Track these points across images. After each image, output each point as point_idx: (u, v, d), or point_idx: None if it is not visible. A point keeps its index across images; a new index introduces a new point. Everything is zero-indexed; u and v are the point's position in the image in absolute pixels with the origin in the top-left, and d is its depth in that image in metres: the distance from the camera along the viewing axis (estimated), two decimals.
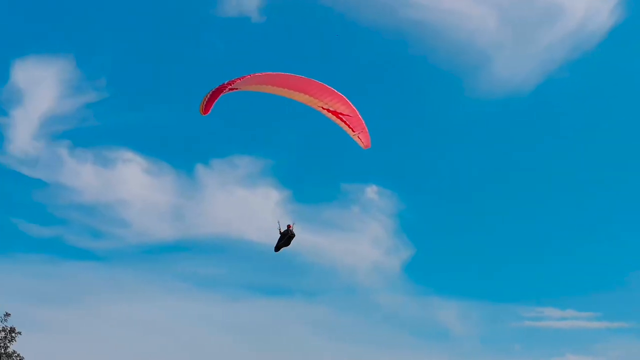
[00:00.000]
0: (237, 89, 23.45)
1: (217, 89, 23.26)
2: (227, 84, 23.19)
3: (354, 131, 25.29)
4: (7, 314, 38.42)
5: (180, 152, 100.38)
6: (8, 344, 37.99)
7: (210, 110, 23.47)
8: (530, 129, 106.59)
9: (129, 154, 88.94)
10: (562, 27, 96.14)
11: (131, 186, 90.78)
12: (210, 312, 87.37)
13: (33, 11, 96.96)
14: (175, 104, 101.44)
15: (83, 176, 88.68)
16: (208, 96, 23.35)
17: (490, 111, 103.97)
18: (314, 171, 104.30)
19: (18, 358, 37.86)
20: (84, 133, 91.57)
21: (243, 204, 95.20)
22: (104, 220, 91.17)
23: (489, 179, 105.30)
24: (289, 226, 26.56)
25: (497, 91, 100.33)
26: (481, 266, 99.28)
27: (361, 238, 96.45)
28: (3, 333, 38.07)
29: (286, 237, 26.79)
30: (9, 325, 38.42)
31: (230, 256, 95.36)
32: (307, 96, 23.95)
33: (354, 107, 24.50)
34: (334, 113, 24.35)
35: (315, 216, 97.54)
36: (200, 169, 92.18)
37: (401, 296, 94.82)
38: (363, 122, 25.05)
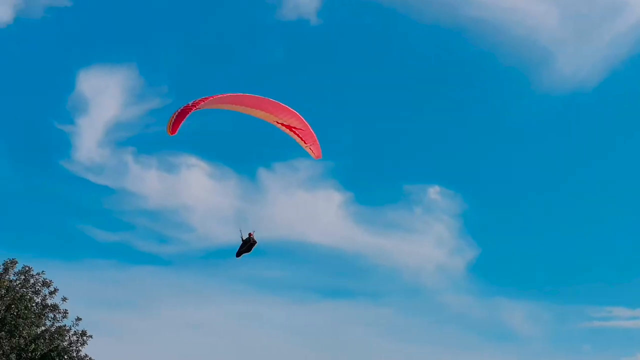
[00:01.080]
0: (202, 108, 25.25)
1: (183, 109, 24.79)
2: (192, 104, 24.84)
3: (306, 143, 27.63)
4: (79, 318, 39.17)
5: (243, 156, 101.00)
6: (80, 348, 38.80)
7: (177, 131, 24.96)
8: (595, 126, 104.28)
9: (192, 159, 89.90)
10: (624, 21, 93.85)
11: (195, 191, 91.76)
12: (274, 315, 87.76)
13: (97, 23, 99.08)
14: None
15: (148, 182, 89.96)
16: (175, 117, 24.84)
17: (554, 108, 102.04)
18: (375, 173, 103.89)
19: None
20: (148, 139, 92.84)
21: (305, 207, 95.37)
22: (169, 225, 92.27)
23: (554, 176, 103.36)
24: (250, 234, 27.07)
25: (560, 88, 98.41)
26: (548, 266, 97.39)
27: (424, 239, 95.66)
28: (75, 337, 38.88)
29: (247, 245, 27.29)
30: (80, 329, 39.12)
31: (293, 259, 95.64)
32: (264, 113, 26.47)
33: (305, 122, 26.83)
34: (288, 127, 26.88)
35: (378, 218, 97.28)
36: (262, 172, 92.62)
37: (466, 297, 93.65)
38: (314, 135, 27.39)
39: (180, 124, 24.73)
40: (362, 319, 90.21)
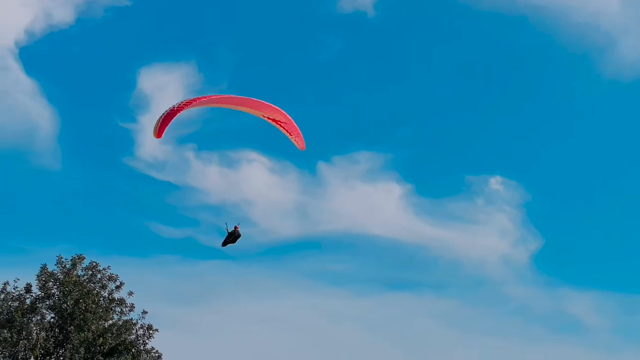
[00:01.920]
0: (188, 109, 26.77)
1: (169, 113, 26.13)
2: (178, 108, 26.24)
3: (291, 135, 29.63)
4: (145, 312, 39.72)
5: (302, 150, 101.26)
6: (147, 341, 39.32)
7: (163, 135, 26.27)
8: None
9: (252, 154, 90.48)
10: None
11: (256, 186, 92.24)
12: (337, 308, 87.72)
13: (156, 22, 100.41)
14: (295, 103, 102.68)
15: (209, 177, 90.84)
16: (160, 120, 26.15)
17: (620, 94, 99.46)
18: (436, 164, 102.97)
19: (156, 354, 39.07)
20: (208, 135, 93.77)
21: (365, 199, 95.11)
22: (231, 219, 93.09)
23: (619, 164, 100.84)
24: (236, 227, 29.69)
25: (625, 74, 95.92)
26: (614, 256, 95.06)
27: (487, 230, 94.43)
28: (142, 330, 39.42)
29: (232, 237, 29.91)
30: (146, 322, 39.65)
31: (355, 251, 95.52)
32: (252, 110, 28.64)
33: (289, 117, 29.01)
34: (274, 121, 29.02)
35: (439, 209, 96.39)
36: (322, 166, 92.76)
37: (531, 288, 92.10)
38: (298, 128, 29.51)
39: (166, 128, 25.98)
40: (425, 310, 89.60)
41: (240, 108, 28.48)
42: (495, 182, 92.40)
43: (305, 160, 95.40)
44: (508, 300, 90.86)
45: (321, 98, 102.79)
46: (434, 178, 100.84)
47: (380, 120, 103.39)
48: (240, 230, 29.52)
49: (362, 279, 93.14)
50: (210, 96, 27.33)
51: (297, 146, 30.13)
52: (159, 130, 26.01)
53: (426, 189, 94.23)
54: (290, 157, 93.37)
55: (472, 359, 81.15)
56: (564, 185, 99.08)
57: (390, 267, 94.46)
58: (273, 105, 28.42)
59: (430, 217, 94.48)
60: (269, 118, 28.78)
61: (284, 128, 29.21)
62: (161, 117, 25.94)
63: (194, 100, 26.35)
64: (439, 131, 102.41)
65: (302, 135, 29.54)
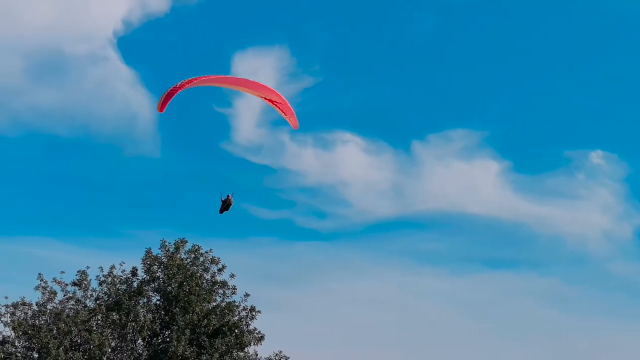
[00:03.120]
0: (188, 87, 28.87)
1: (170, 91, 28.44)
2: (180, 85, 28.43)
3: (286, 114, 31.39)
4: (247, 294, 40.27)
5: (397, 129, 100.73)
6: (249, 322, 39.87)
7: (164, 109, 28.67)
8: None
9: (347, 135, 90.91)
10: None
11: (351, 166, 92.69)
12: (435, 287, 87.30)
13: (249, 6, 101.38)
14: (387, 82, 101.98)
15: (305, 159, 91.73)
16: (163, 97, 28.43)
17: None
18: (533, 140, 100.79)
19: (259, 335, 39.59)
20: (302, 117, 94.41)
21: (461, 177, 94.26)
22: (328, 200, 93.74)
23: None
24: (228, 196, 31.95)
25: None
26: None
27: (588, 205, 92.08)
28: (244, 312, 39.99)
29: (225, 204, 32.14)
30: (248, 304, 40.19)
31: (451, 230, 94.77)
32: (249, 89, 30.69)
33: (283, 97, 30.86)
34: (270, 101, 30.86)
35: (538, 186, 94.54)
36: (416, 145, 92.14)
37: (636, 263, 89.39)
38: (292, 108, 31.36)
39: (167, 103, 28.54)
40: (525, 289, 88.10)
41: (238, 88, 30.89)
42: (596, 157, 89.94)
43: (399, 140, 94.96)
44: (611, 277, 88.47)
45: (415, 76, 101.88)
46: (532, 154, 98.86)
47: (474, 96, 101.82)
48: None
49: (459, 258, 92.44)
50: (210, 76, 29.43)
51: (291, 125, 32.17)
52: (161, 105, 28.56)
53: (524, 165, 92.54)
54: (384, 136, 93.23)
55: (574, 338, 79.30)
56: None
57: (488, 246, 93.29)
58: (268, 86, 30.70)
59: (529, 194, 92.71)
60: (265, 98, 30.78)
61: (278, 108, 31.18)
62: (164, 94, 28.48)
63: (195, 79, 28.74)
64: (535, 105, 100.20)
65: (295, 115, 31.56)
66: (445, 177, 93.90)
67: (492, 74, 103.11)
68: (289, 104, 31.08)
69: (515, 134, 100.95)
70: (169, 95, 28.30)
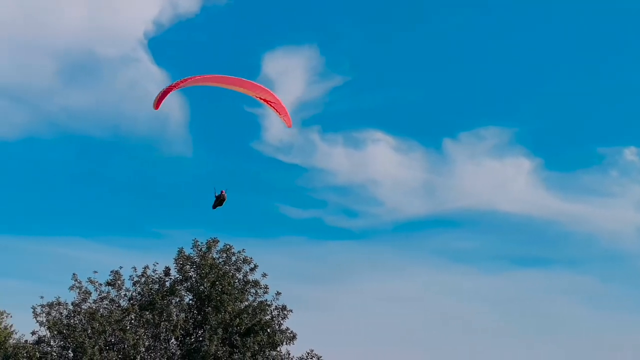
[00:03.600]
0: (183, 87, 29.45)
1: (166, 90, 28.96)
2: (175, 84, 28.99)
3: (280, 114, 31.64)
4: (278, 293, 40.37)
5: (427, 128, 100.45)
6: (281, 321, 39.94)
7: (159, 107, 29.16)
8: None
9: (377, 134, 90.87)
10: None
11: (381, 165, 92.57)
12: (467, 285, 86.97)
13: (278, 6, 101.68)
14: (417, 80, 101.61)
15: (335, 159, 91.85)
16: (159, 95, 28.91)
17: None
18: (565, 137, 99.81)
19: (291, 334, 39.66)
20: (332, 117, 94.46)
21: (493, 175, 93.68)
22: (358, 199, 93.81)
23: None
24: (222, 192, 32.17)
25: None
26: None
27: (622, 203, 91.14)
28: (276, 311, 40.07)
29: (219, 200, 32.25)
30: (280, 303, 40.26)
31: (483, 228, 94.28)
32: (244, 89, 30.79)
33: (277, 97, 31.20)
34: (265, 101, 31.14)
35: (571, 183, 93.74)
36: (448, 143, 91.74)
37: None
38: (285, 107, 31.61)
39: (162, 101, 29.08)
40: (559, 287, 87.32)
41: (233, 87, 30.96)
42: (629, 153, 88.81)
43: (430, 138, 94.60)
44: None
45: (445, 75, 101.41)
46: (564, 151, 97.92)
47: (506, 94, 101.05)
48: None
49: (490, 256, 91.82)
50: (204, 76, 29.96)
51: (286, 124, 32.42)
52: (156, 103, 29.16)
53: (556, 162, 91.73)
54: (415, 135, 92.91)
55: (609, 336, 78.43)
56: None
57: (520, 244, 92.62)
58: (262, 86, 31.02)
59: (562, 192, 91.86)
60: (260, 98, 31.12)
61: (273, 107, 31.54)
62: (160, 92, 29.03)
63: (189, 78, 29.31)
64: (567, 102, 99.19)
65: (288, 114, 31.94)
66: (476, 175, 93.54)
67: (524, 71, 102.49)
68: (282, 104, 31.56)
69: (547, 131, 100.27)
70: (164, 94, 28.93)
